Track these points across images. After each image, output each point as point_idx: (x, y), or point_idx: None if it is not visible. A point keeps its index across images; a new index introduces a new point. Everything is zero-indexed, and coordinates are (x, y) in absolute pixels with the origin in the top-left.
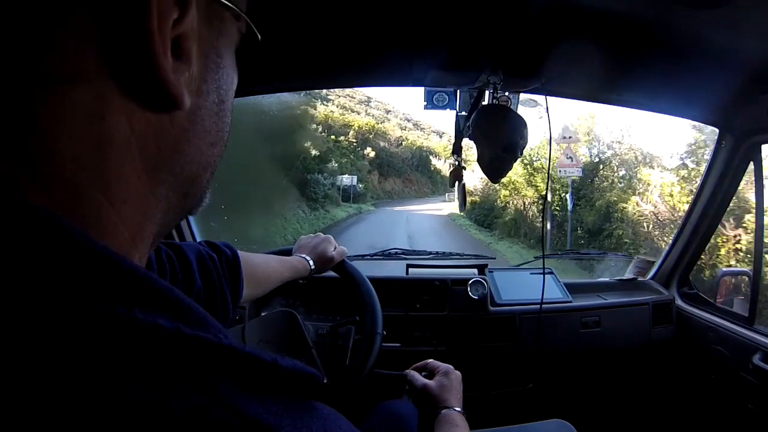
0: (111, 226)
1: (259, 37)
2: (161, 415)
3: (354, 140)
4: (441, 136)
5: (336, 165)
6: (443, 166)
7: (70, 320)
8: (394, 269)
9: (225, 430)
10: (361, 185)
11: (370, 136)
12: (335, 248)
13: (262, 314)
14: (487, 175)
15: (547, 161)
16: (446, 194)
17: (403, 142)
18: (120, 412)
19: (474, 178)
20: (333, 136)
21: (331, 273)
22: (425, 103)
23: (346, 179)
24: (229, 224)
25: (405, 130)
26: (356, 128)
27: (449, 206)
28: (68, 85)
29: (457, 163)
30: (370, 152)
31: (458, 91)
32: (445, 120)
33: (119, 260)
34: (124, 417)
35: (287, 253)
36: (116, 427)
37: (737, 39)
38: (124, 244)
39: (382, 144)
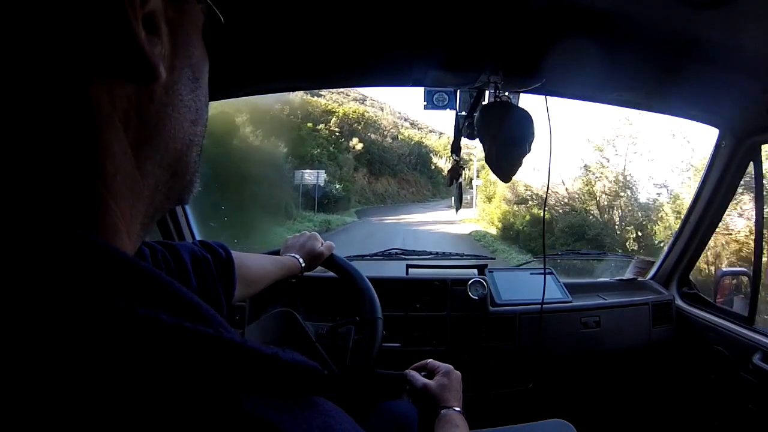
0: (102, 201)
1: (222, 19)
2: (160, 411)
3: (337, 129)
4: (440, 136)
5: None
6: (444, 164)
7: (70, 315)
8: (394, 269)
9: (224, 425)
10: (338, 185)
11: (359, 126)
12: (322, 244)
13: (262, 317)
14: (497, 174)
15: (548, 161)
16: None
17: (399, 136)
18: (119, 407)
19: (535, 174)
20: (310, 124)
21: (330, 273)
22: (425, 103)
23: (309, 176)
24: (228, 225)
25: (402, 128)
26: (341, 115)
27: (463, 214)
28: (49, 62)
29: (455, 162)
30: (356, 144)
31: (458, 91)
32: (443, 120)
33: (120, 255)
34: (123, 412)
35: (276, 254)
36: (115, 422)
37: (737, 39)
38: (117, 222)
39: (373, 136)
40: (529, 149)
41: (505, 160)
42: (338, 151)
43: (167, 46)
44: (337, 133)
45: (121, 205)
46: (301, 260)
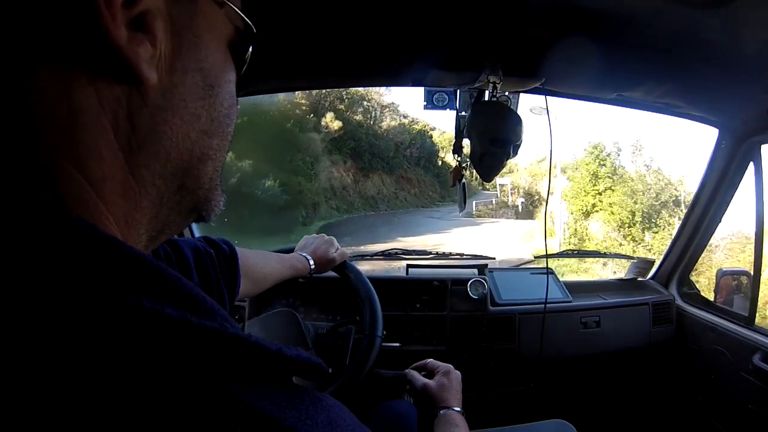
0: (92, 205)
1: (254, 28)
2: (166, 404)
3: (304, 101)
4: (442, 133)
5: None
6: (453, 161)
7: (77, 308)
8: (394, 269)
9: (228, 420)
10: (271, 182)
11: (341, 105)
12: (337, 250)
13: (263, 314)
14: (478, 173)
15: (548, 161)
16: (509, 201)
17: (397, 122)
18: (124, 400)
19: None
20: None
21: (331, 273)
22: (425, 103)
23: None
24: (229, 224)
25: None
26: None
27: (524, 238)
28: (32, 65)
29: (458, 162)
30: (331, 121)
31: (458, 91)
32: (443, 117)
33: (126, 249)
34: (128, 405)
35: (290, 251)
36: (120, 414)
37: (737, 39)
38: (108, 226)
39: (359, 118)
40: (515, 153)
41: (487, 158)
42: (300, 129)
43: (166, 46)
44: (304, 108)
45: (113, 210)
46: (311, 262)
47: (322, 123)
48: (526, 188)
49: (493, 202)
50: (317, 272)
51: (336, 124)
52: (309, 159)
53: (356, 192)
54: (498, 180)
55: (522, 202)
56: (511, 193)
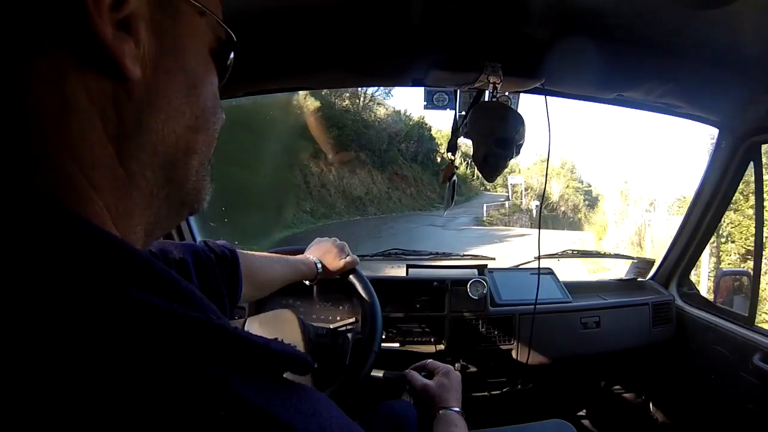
0: (83, 191)
1: (234, 37)
2: (152, 391)
3: None
4: (440, 131)
5: None
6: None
7: (69, 298)
8: (394, 269)
9: (214, 408)
10: None
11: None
12: (347, 255)
13: (262, 313)
14: (481, 173)
15: (546, 162)
16: (524, 206)
17: (389, 112)
18: (113, 386)
19: None
20: None
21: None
22: (425, 103)
23: None
24: (229, 225)
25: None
26: None
27: None
28: (27, 57)
29: (451, 161)
30: (305, 98)
31: (458, 91)
32: (442, 117)
33: (119, 243)
34: (117, 391)
35: (299, 253)
36: (108, 399)
37: (737, 39)
38: (99, 213)
39: (348, 104)
40: (517, 152)
41: (490, 159)
42: (263, 107)
43: (149, 46)
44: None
45: (104, 198)
46: (319, 266)
47: (294, 102)
48: (539, 190)
49: (506, 206)
50: (325, 276)
51: (311, 104)
52: (272, 147)
53: (339, 191)
54: (509, 179)
55: (536, 206)
56: (524, 195)
